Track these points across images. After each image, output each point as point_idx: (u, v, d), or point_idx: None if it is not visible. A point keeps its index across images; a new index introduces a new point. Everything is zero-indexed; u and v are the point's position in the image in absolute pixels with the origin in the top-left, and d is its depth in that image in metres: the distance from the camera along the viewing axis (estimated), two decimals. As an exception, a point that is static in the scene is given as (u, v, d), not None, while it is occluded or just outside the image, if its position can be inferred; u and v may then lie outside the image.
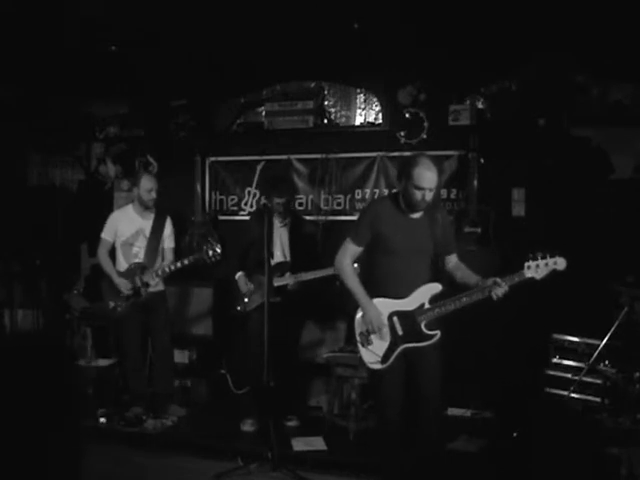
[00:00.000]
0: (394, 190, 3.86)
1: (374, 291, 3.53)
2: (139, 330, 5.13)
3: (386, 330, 3.50)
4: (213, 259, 4.88)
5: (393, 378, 3.52)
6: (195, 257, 4.95)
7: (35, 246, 6.40)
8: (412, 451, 3.56)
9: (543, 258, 3.43)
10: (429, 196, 3.44)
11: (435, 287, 3.54)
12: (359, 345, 3.55)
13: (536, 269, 3.43)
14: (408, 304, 3.51)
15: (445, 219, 3.69)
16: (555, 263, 3.43)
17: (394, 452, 3.56)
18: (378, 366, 3.50)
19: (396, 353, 3.49)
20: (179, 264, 4.97)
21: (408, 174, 3.42)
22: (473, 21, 4.97)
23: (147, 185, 5.05)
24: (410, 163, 3.46)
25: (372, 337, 3.51)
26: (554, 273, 3.45)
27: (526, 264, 3.44)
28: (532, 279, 3.45)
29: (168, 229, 5.18)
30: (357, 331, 3.56)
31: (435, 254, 3.61)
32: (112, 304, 5.05)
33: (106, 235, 5.17)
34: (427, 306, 3.50)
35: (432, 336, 3.50)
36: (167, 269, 4.99)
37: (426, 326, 3.49)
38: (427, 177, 3.39)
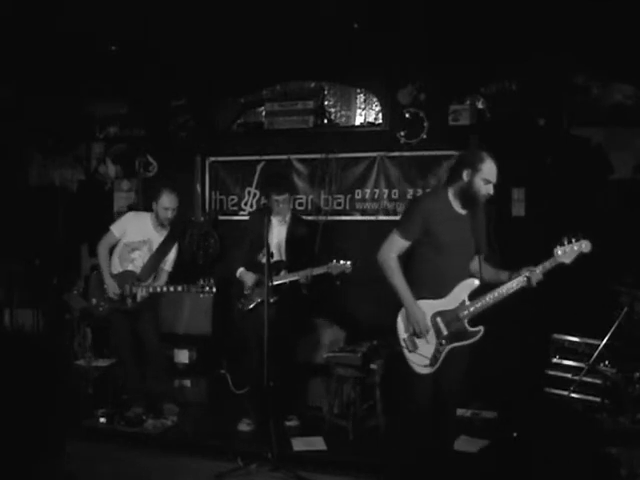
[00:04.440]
0: (441, 184, 3.81)
1: (416, 289, 3.44)
2: (129, 332, 5.10)
3: (431, 332, 3.44)
4: (206, 295, 4.89)
5: (427, 378, 3.47)
6: (190, 287, 4.91)
7: (35, 246, 6.40)
8: (421, 449, 3.55)
9: (570, 242, 3.44)
10: (492, 190, 3.45)
11: (473, 283, 3.48)
12: (405, 350, 3.45)
13: (565, 253, 3.43)
14: (449, 303, 3.46)
15: (484, 217, 3.64)
16: (582, 246, 3.44)
17: (408, 450, 3.53)
18: (428, 370, 3.43)
19: (444, 354, 3.43)
20: (172, 289, 4.95)
21: (476, 168, 3.39)
22: (473, 21, 4.98)
23: (165, 204, 4.97)
24: (476, 157, 3.43)
25: (417, 341, 3.43)
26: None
27: (556, 250, 3.44)
28: (563, 264, 3.44)
29: (173, 254, 5.12)
30: (401, 336, 3.46)
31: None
32: (94, 301, 5.04)
33: (115, 229, 5.07)
34: (468, 303, 3.46)
35: (477, 332, 3.46)
36: (158, 289, 4.97)
37: (469, 323, 3.46)
38: (495, 171, 3.43)
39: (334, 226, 5.85)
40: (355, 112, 6.05)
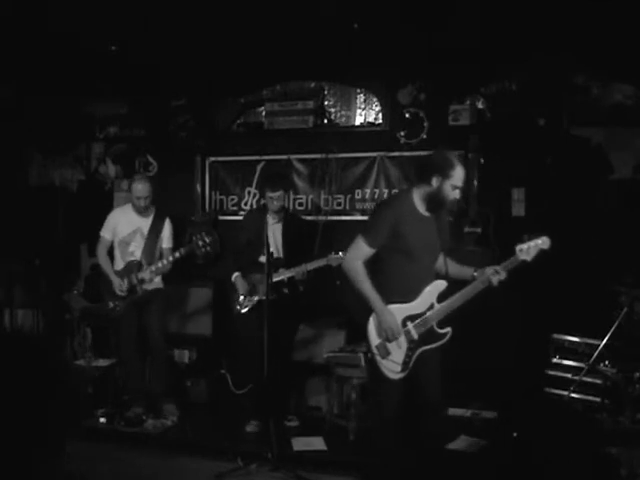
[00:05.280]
0: (404, 188, 3.82)
1: (386, 294, 3.42)
2: (135, 329, 5.12)
3: (402, 337, 3.43)
4: (203, 250, 4.86)
5: (399, 383, 3.46)
6: (186, 249, 4.94)
7: (35, 246, 6.40)
8: (412, 450, 3.56)
9: (529, 240, 3.48)
10: (459, 195, 3.45)
11: (441, 285, 3.50)
12: (377, 358, 3.42)
13: (527, 251, 3.47)
14: (418, 307, 3.46)
15: (446, 216, 3.67)
16: (543, 242, 3.48)
17: (390, 451, 3.53)
18: (400, 375, 3.42)
19: (414, 358, 3.44)
20: (171, 258, 4.96)
21: (446, 174, 3.37)
22: (473, 21, 4.97)
23: (137, 192, 5.01)
24: (446, 163, 3.40)
25: (389, 347, 3.42)
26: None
27: (517, 247, 3.47)
28: (525, 262, 3.48)
29: (167, 230, 5.16)
30: (373, 343, 3.43)
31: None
32: (111, 304, 5.06)
33: (105, 233, 5.18)
34: (436, 305, 3.47)
35: (445, 334, 3.48)
36: (160, 264, 4.98)
37: (437, 325, 3.47)
38: (463, 175, 3.43)
39: (334, 226, 5.85)
40: (355, 112, 6.05)
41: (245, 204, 6.16)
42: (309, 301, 5.33)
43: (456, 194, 3.42)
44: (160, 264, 4.99)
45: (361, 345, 4.85)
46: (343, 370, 4.81)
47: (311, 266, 4.80)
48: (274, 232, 4.91)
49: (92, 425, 4.96)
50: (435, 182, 3.39)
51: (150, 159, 6.49)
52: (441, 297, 3.49)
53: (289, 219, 5.03)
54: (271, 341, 4.33)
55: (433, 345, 3.47)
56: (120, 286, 4.98)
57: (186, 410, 5.28)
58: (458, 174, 3.38)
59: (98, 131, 6.72)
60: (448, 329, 3.49)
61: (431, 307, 3.46)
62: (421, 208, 3.48)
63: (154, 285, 5.11)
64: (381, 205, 3.87)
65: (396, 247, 3.41)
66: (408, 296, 3.45)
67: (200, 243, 4.85)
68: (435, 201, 3.43)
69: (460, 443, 4.48)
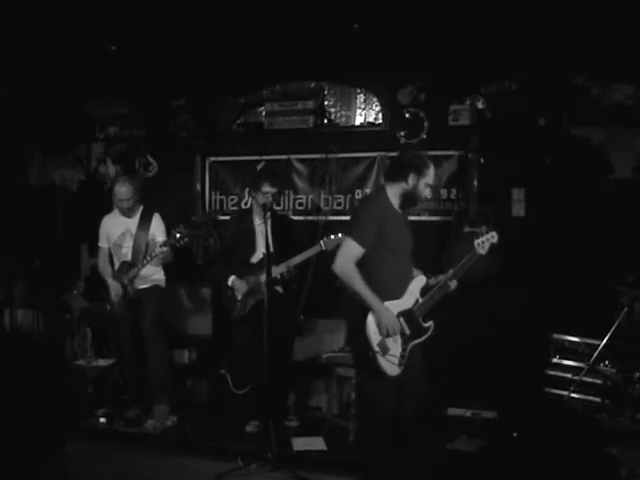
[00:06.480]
0: (377, 188, 3.87)
1: (378, 292, 3.43)
2: (133, 329, 5.12)
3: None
4: (181, 242, 4.83)
5: (395, 380, 3.48)
6: (165, 241, 4.90)
7: (35, 246, 6.41)
8: (412, 450, 3.56)
9: (483, 234, 3.66)
10: (430, 193, 3.70)
11: (422, 280, 3.62)
12: (378, 357, 3.41)
13: (482, 245, 3.63)
14: (407, 302, 3.54)
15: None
16: (492, 237, 3.66)
17: (387, 451, 3.53)
18: (398, 370, 3.45)
19: (407, 353, 3.50)
20: (153, 254, 4.92)
21: (422, 172, 3.51)
22: (473, 21, 4.97)
23: (120, 195, 5.01)
24: (423, 162, 3.55)
25: (388, 343, 3.44)
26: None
27: (476, 242, 3.62)
28: (481, 256, 3.62)
29: (155, 225, 5.13)
30: (374, 342, 3.42)
31: None
32: (109, 307, 5.11)
33: (101, 242, 5.27)
34: (420, 300, 3.57)
35: (429, 327, 3.58)
36: (144, 261, 4.96)
37: (422, 320, 3.56)
38: (434, 175, 3.59)
39: (334, 226, 5.84)
40: (355, 112, 6.04)
41: (245, 204, 6.15)
42: (309, 299, 5.33)
43: (428, 192, 3.63)
44: (144, 261, 4.98)
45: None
46: (343, 370, 4.81)
47: (295, 261, 4.81)
48: (263, 232, 4.90)
49: (92, 425, 4.96)
50: (411, 180, 3.51)
51: (150, 159, 6.49)
52: (422, 292, 3.61)
53: (276, 219, 5.03)
54: (270, 341, 4.32)
55: (421, 339, 3.55)
56: (116, 289, 5.01)
57: (186, 410, 5.28)
58: (432, 173, 3.56)
59: (98, 131, 6.72)
60: (430, 323, 3.59)
61: (417, 302, 3.56)
62: (396, 205, 3.58)
63: (150, 283, 5.11)
64: (363, 204, 3.92)
65: (382, 245, 3.47)
66: (397, 293, 3.52)
67: (178, 236, 4.81)
68: (410, 198, 3.56)
69: (460, 443, 4.49)
